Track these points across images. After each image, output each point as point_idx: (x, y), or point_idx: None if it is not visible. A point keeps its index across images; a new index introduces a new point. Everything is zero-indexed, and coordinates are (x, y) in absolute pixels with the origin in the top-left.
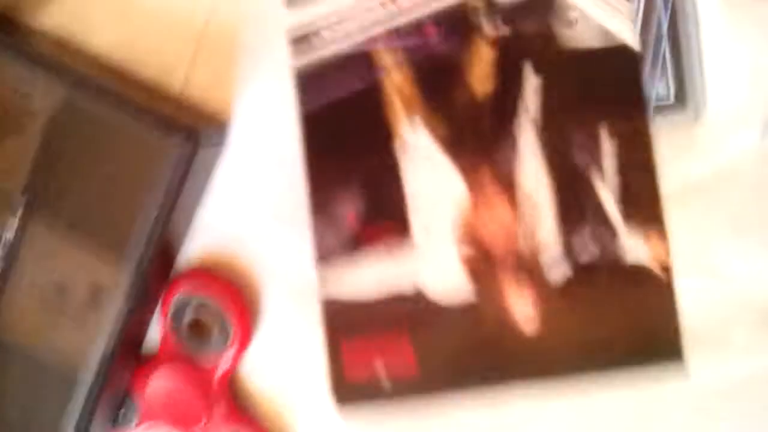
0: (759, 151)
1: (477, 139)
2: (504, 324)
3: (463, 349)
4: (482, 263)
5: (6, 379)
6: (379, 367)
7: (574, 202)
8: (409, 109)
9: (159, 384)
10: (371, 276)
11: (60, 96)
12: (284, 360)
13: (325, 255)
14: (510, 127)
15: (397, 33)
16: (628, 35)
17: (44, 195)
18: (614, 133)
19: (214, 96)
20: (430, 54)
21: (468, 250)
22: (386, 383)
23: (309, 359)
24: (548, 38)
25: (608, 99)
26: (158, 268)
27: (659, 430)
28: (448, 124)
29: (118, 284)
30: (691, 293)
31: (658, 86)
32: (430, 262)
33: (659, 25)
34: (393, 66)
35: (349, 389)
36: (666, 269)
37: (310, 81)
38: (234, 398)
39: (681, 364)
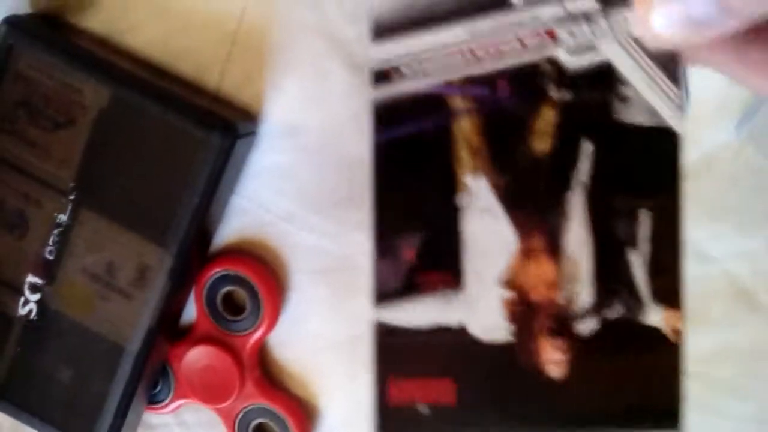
0: (734, 144)
1: (532, 195)
2: (535, 366)
3: (497, 384)
4: (522, 308)
5: (61, 347)
6: (421, 397)
7: (609, 266)
8: (474, 157)
9: (194, 359)
10: (422, 311)
11: (108, 92)
12: (310, 334)
13: (382, 297)
14: (562, 188)
15: (471, 81)
16: (674, 119)
17: (94, 182)
18: (650, 207)
19: (247, 90)
20: (498, 107)
21: (510, 295)
22: (425, 408)
23: (333, 333)
24: (604, 109)
25: (648, 174)
26: (197, 249)
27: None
28: (507, 178)
29: (161, 264)
30: None
31: None
32: (476, 302)
33: None
34: (464, 112)
35: (391, 413)
36: (677, 334)
37: (385, 113)
38: (264, 371)
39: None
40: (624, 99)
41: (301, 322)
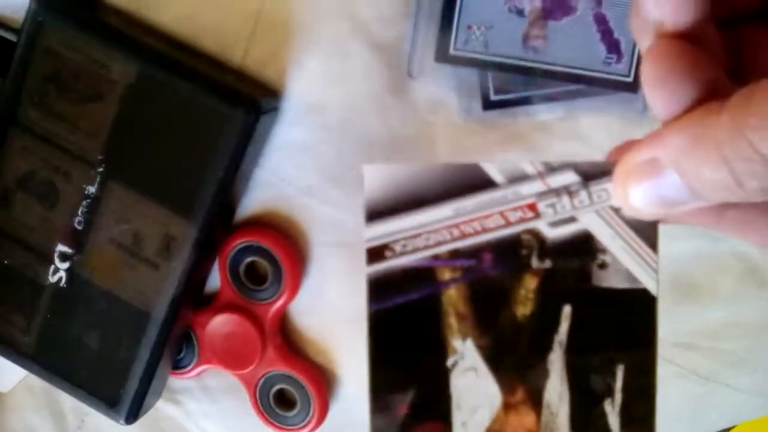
0: None
1: (514, 354)
2: None
3: None
4: None
5: (90, 313)
6: None
7: (586, 416)
8: (461, 322)
9: (217, 326)
10: None
11: (135, 68)
12: (330, 304)
13: None
14: (543, 347)
15: (457, 255)
16: (650, 282)
17: (121, 155)
18: (625, 362)
19: (270, 68)
20: (483, 276)
21: None
22: None
23: (351, 303)
24: (583, 275)
25: (625, 332)
26: (220, 221)
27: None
28: (492, 339)
29: (186, 235)
30: (682, 250)
31: (617, 65)
32: None
33: None
34: (451, 282)
35: None
36: None
37: (379, 286)
38: (285, 339)
39: None
40: (602, 265)
41: (321, 293)
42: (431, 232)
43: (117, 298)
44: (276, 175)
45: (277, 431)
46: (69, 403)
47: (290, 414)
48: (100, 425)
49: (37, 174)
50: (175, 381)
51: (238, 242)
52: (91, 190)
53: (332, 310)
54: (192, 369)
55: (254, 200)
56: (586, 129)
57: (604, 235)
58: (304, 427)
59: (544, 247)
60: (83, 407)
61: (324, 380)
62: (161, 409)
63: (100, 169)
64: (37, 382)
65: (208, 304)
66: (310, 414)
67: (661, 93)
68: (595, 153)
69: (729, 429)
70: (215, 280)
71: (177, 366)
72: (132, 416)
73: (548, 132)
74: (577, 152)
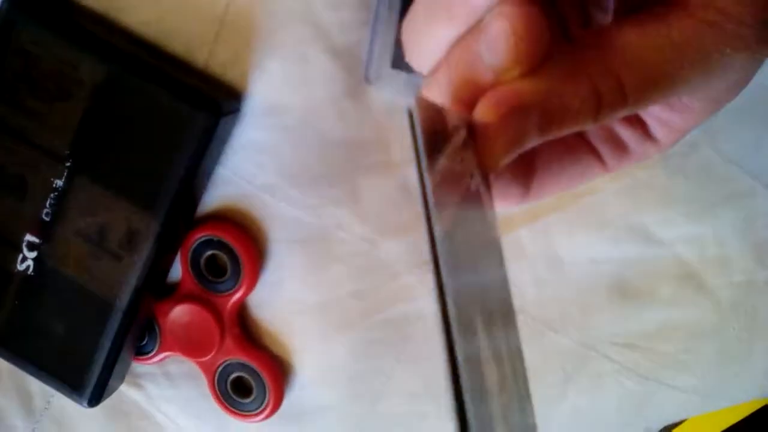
0: (689, 139)
1: None
2: None
3: None
4: None
5: (55, 301)
6: None
7: None
8: None
9: (178, 316)
10: None
11: (103, 68)
12: (286, 297)
13: None
14: None
15: None
16: None
17: (88, 151)
18: None
19: (233, 70)
20: None
21: None
22: None
23: (307, 298)
24: None
25: None
26: (182, 216)
27: (591, 368)
28: None
29: (149, 229)
30: (625, 253)
31: None
32: None
33: None
34: None
35: None
36: None
37: None
38: (243, 329)
39: None
40: None
41: (278, 286)
42: None
43: (82, 288)
44: (237, 173)
45: (234, 417)
46: (35, 385)
47: (246, 401)
48: (65, 407)
49: (7, 167)
50: (138, 366)
51: (199, 236)
52: (59, 183)
53: (288, 303)
54: (154, 355)
55: (215, 197)
56: None
57: None
58: (259, 413)
59: None
60: (49, 390)
61: (279, 370)
62: (124, 392)
63: (68, 164)
64: (4, 365)
65: (171, 294)
66: (266, 401)
67: None
68: None
69: (670, 426)
70: (178, 271)
71: (140, 352)
72: (95, 399)
73: None
74: None
